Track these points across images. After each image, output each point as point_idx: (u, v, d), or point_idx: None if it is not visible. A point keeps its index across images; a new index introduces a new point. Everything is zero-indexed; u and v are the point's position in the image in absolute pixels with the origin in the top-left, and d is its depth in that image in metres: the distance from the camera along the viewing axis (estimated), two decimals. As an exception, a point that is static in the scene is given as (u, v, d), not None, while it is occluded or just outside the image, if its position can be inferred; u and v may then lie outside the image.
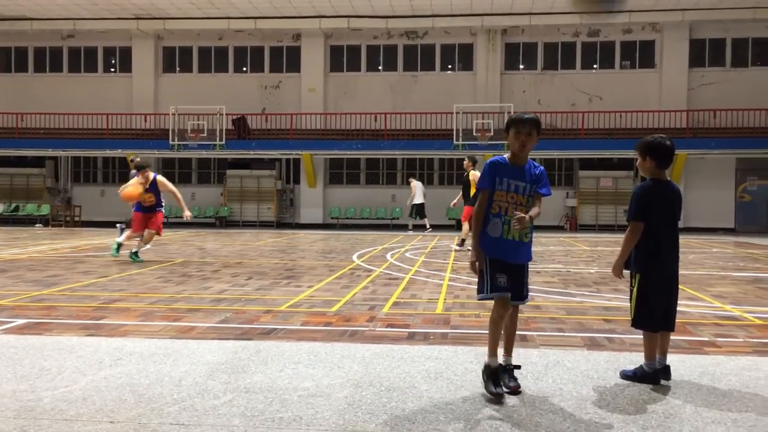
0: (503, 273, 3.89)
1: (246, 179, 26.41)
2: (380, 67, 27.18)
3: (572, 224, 24.66)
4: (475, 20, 25.25)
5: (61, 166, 27.46)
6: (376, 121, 25.87)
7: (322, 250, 14.31)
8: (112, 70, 28.09)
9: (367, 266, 10.70)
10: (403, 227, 23.68)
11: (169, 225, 24.13)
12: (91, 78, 27.79)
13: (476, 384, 3.97)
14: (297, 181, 26.81)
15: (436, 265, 10.86)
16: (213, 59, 27.54)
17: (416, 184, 22.14)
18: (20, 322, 5.72)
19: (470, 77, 26.57)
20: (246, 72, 27.52)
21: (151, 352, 4.67)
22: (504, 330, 3.99)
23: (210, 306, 6.65)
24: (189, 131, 24.88)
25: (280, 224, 26.19)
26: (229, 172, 26.68)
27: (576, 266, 11.07)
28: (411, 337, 5.30)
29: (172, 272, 9.63)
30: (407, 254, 12.99)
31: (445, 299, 7.25)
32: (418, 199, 22.02)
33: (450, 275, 9.50)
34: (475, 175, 12.98)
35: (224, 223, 26.12)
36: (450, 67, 27.02)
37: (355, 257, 12.35)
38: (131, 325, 5.69)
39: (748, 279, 9.51)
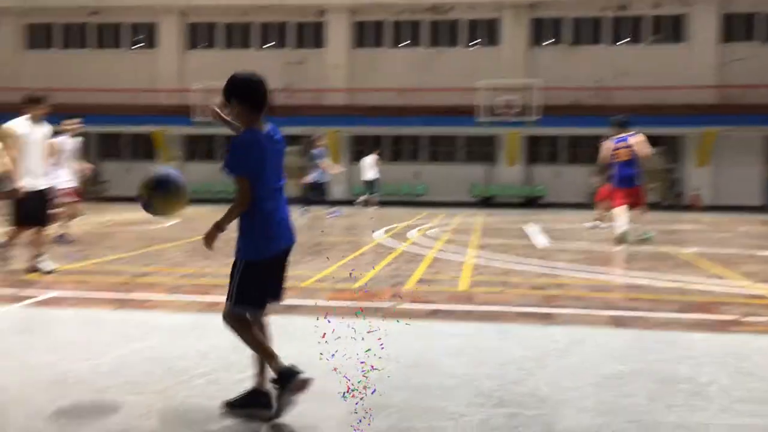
0: None
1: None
2: (405, 43, 26.99)
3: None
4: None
5: (90, 143, 27.72)
6: (399, 97, 25.74)
7: (346, 226, 14.34)
8: (138, 46, 28.22)
9: (390, 244, 10.71)
10: (426, 204, 23.62)
11: (194, 201, 24.35)
12: (117, 54, 27.94)
13: (498, 360, 3.98)
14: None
15: (460, 243, 10.84)
16: (237, 35, 27.54)
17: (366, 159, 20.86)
18: (51, 294, 5.83)
19: (495, 53, 26.27)
20: (271, 48, 27.49)
21: (178, 326, 4.75)
22: None
23: (235, 281, 6.71)
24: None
25: (305, 200, 26.25)
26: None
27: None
28: (434, 314, 5.31)
29: (197, 248, 9.72)
30: (429, 232, 12.98)
31: (469, 276, 7.25)
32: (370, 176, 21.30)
33: (474, 252, 9.48)
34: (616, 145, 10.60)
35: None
36: (475, 42, 26.74)
37: (377, 234, 12.36)
38: (158, 299, 5.78)
39: (776, 258, 9.38)
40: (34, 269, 6.88)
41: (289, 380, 3.05)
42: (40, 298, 5.70)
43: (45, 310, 5.23)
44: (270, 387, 3.15)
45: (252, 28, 27.41)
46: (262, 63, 26.90)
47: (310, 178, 16.40)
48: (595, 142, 25.32)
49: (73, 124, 10.23)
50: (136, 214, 14.08)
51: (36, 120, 6.89)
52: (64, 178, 9.66)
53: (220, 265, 7.93)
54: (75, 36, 28.22)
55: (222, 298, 5.69)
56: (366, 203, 21.27)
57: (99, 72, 27.27)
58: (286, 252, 3.29)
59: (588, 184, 24.88)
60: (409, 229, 13.18)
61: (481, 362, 3.96)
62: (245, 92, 3.38)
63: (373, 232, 12.62)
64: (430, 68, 26.39)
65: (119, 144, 28.14)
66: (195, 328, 4.71)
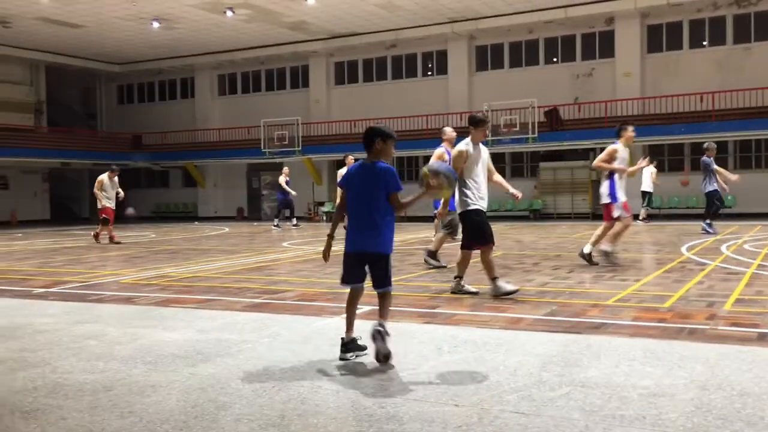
0: None
1: (559, 171, 26.11)
2: (705, 43, 24.89)
3: None
4: (824, -25, 21.78)
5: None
6: (702, 101, 23.74)
7: (646, 241, 13.55)
8: (429, 73, 29.80)
9: (699, 259, 9.87)
10: (737, 216, 21.39)
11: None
12: (412, 83, 29.80)
13: None
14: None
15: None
16: (523, 53, 27.71)
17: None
18: (366, 308, 6.34)
19: (818, 42, 23.02)
20: (557, 62, 27.21)
21: (484, 341, 4.86)
22: None
23: (535, 298, 6.71)
24: (502, 126, 25.37)
25: (596, 216, 25.39)
26: (542, 164, 26.64)
27: None
28: (762, 338, 4.76)
29: (493, 264, 9.90)
30: (746, 246, 11.70)
31: (799, 297, 6.39)
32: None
33: (802, 270, 8.34)
34: None
35: (538, 215, 26.14)
36: (789, 34, 23.72)
37: (684, 249, 11.48)
38: (462, 314, 5.98)
39: None
40: (460, 290, 7.04)
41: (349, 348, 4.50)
42: (359, 311, 6.23)
43: (362, 322, 5.69)
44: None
45: (538, 45, 27.37)
46: (548, 78, 26.83)
47: (708, 188, 15.16)
48: None
49: None
50: (430, 232, 14.82)
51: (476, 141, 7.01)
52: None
53: (519, 281, 7.98)
54: (377, 69, 30.65)
55: (522, 315, 5.76)
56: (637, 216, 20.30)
57: (396, 100, 29.30)
58: None
59: None
60: (719, 243, 12.04)
61: (829, 396, 3.45)
62: (387, 135, 4.67)
63: (678, 247, 11.75)
64: (737, 67, 23.96)
65: (409, 167, 29.90)
66: (501, 344, 4.78)
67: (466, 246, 7.04)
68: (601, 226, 9.46)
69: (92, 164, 33.45)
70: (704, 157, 15.34)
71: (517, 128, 25.01)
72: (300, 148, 29.20)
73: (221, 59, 32.38)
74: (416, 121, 28.25)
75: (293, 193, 21.64)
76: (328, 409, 3.48)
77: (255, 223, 27.27)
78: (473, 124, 7.00)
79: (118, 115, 36.94)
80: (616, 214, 9.19)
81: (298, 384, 3.92)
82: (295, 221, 22.21)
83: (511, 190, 7.68)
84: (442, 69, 29.11)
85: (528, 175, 27.63)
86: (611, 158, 9.28)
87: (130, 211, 19.86)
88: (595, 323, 5.43)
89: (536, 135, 24.58)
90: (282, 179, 21.42)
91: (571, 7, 25.12)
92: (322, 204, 29.62)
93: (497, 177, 7.54)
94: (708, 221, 15.21)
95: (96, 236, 16.36)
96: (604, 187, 9.39)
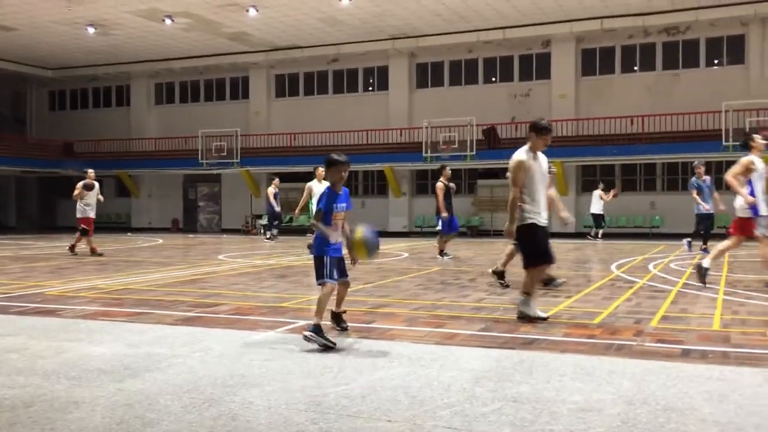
0: None
1: (496, 188, 26.53)
2: (636, 68, 25.80)
3: None
4: (748, 8, 22.89)
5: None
6: (632, 124, 24.57)
7: (578, 259, 13.88)
8: (371, 89, 29.96)
9: (628, 277, 10.17)
10: (663, 236, 22.15)
11: (422, 234, 25.11)
12: (353, 97, 29.89)
13: (770, 411, 3.57)
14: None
15: (708, 278, 9.96)
16: (463, 72, 28.16)
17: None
18: (302, 323, 6.28)
19: (741, 71, 24.17)
20: (495, 82, 27.75)
21: (419, 357, 4.87)
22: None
23: (470, 314, 6.78)
24: (441, 143, 25.69)
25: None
26: (479, 181, 27.05)
27: None
28: (686, 354, 4.92)
29: (430, 280, 9.98)
30: (672, 265, 12.12)
31: (722, 315, 6.64)
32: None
33: (725, 289, 8.67)
34: None
35: (476, 232, 26.49)
36: (717, 62, 24.82)
37: (613, 267, 11.80)
38: (398, 329, 5.99)
39: None
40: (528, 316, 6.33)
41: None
42: (294, 325, 6.17)
43: (298, 337, 5.64)
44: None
45: (477, 64, 27.85)
46: (487, 97, 27.33)
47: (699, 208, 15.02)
48: None
49: None
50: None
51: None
52: None
53: (455, 296, 8.05)
54: (318, 83, 30.61)
55: (458, 330, 5.80)
56: (596, 236, 20.96)
57: (337, 115, 29.33)
58: None
59: None
60: (647, 262, 12.42)
61: (751, 412, 3.58)
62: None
63: (608, 265, 12.07)
64: (666, 92, 24.92)
65: (354, 181, 29.93)
66: (436, 359, 4.80)
67: (530, 264, 6.40)
68: (727, 240, 8.80)
69: (20, 171, 32.30)
70: (692, 178, 15.08)
71: (456, 145, 25.38)
72: (239, 160, 28.88)
73: (159, 68, 31.78)
74: (356, 135, 28.33)
75: (277, 208, 21.08)
76: (260, 426, 3.42)
77: (191, 235, 26.77)
78: (536, 131, 6.30)
79: (49, 122, 35.79)
80: (759, 232, 8.39)
81: (229, 400, 3.84)
82: (274, 232, 21.53)
83: (563, 213, 7.35)
84: (383, 85, 29.31)
85: (466, 192, 27.98)
86: (747, 171, 8.39)
87: None
88: (528, 339, 5.51)
89: (474, 152, 24.97)
90: (271, 190, 20.89)
91: (509, 29, 25.69)
92: (259, 217, 29.30)
93: (553, 191, 6.90)
94: (689, 240, 15.46)
95: (72, 247, 15.23)
96: (742, 199, 8.40)
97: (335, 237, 5.40)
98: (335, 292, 5.57)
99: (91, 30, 25.99)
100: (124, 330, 5.98)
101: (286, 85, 31.19)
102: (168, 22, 24.84)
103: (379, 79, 29.58)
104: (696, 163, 15.42)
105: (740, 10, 23.04)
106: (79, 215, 15.25)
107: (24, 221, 34.20)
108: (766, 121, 21.86)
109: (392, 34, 27.01)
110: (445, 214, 13.45)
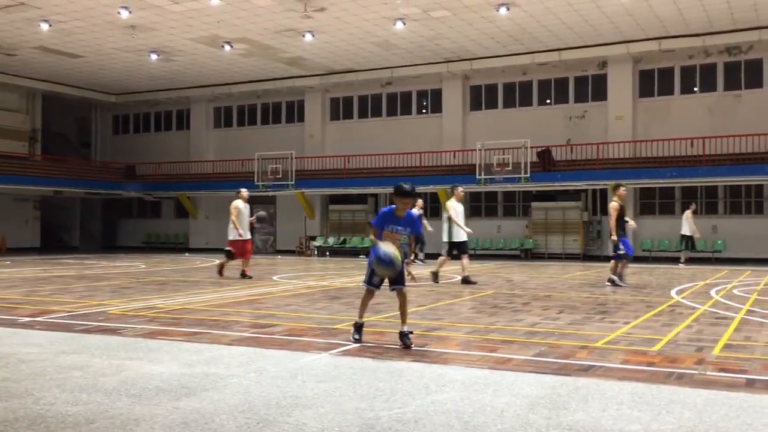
0: None
1: (551, 211, 26.24)
2: (696, 89, 25.27)
3: None
4: (812, 26, 22.25)
5: (379, 203, 30.03)
6: (692, 146, 24.02)
7: (635, 284, 13.57)
8: (424, 111, 30.08)
9: (689, 303, 9.89)
10: (726, 261, 21.48)
11: (475, 256, 24.94)
12: (406, 120, 30.05)
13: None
14: (604, 212, 25.91)
15: (773, 305, 9.63)
16: (517, 94, 28.04)
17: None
18: (355, 345, 6.32)
19: (807, 91, 23.43)
20: (550, 104, 27.54)
21: (472, 381, 4.83)
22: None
23: (524, 338, 6.69)
24: (495, 165, 25.57)
25: (587, 256, 25.48)
26: (534, 204, 26.78)
27: None
28: (750, 384, 4.75)
29: (483, 303, 9.90)
30: (735, 291, 11.74)
31: (788, 344, 6.40)
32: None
33: (791, 316, 8.36)
34: None
35: (529, 255, 26.18)
36: (780, 82, 24.14)
37: (673, 293, 11.50)
38: (451, 353, 5.96)
39: None
40: None
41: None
42: (346, 347, 6.20)
43: (351, 359, 5.66)
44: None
45: (532, 86, 27.71)
46: (542, 119, 27.14)
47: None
48: None
49: None
50: (420, 270, 14.81)
51: None
52: None
53: (508, 320, 7.96)
54: (372, 105, 30.91)
55: (511, 355, 5.74)
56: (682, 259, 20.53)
57: (391, 137, 29.52)
58: None
59: None
60: (709, 287, 12.06)
61: (817, 446, 3.43)
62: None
63: (669, 291, 11.77)
64: (727, 113, 24.32)
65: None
66: (489, 384, 4.75)
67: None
68: None
69: (84, 193, 33.44)
70: None
71: (510, 168, 25.21)
72: (293, 182, 29.28)
73: (218, 92, 32.61)
74: (410, 158, 28.45)
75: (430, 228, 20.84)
76: (313, 448, 3.43)
77: (246, 256, 27.16)
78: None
79: (112, 145, 37.06)
80: None
81: (282, 421, 3.88)
82: (421, 255, 20.96)
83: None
84: (437, 107, 29.40)
85: (520, 215, 27.74)
86: None
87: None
88: (583, 365, 5.41)
89: (529, 175, 24.75)
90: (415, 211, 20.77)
91: (564, 51, 25.51)
92: (313, 238, 29.60)
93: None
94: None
95: (220, 270, 14.76)
96: None
97: (384, 246, 6.09)
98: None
99: (153, 57, 26.88)
100: (182, 349, 6.11)
101: (340, 108, 31.58)
102: (227, 48, 25.51)
103: (432, 101, 29.70)
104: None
105: (805, 29, 22.40)
106: (239, 235, 14.45)
107: (87, 241, 35.33)
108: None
109: (446, 57, 27.12)
110: (614, 238, 12.46)
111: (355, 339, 6.35)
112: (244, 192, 14.97)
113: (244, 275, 14.49)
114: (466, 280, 13.16)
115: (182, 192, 32.37)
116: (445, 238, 13.58)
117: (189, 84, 32.08)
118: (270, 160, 30.00)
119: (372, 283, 6.36)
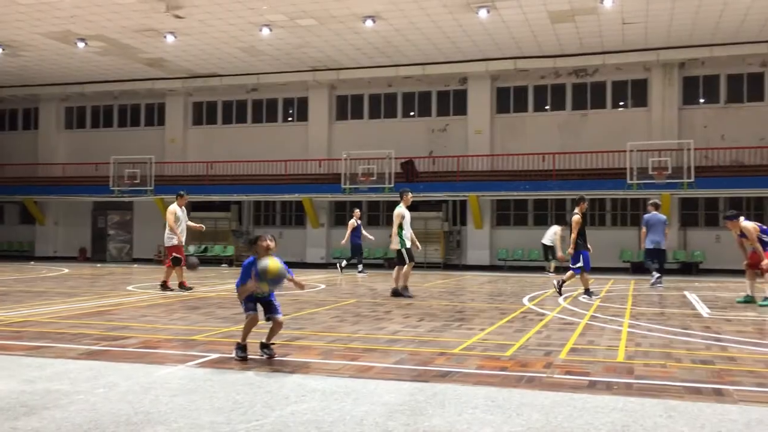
0: None
1: (413, 221, 26.51)
2: (548, 107, 26.82)
3: None
4: (650, 54, 24.26)
5: (243, 210, 29.49)
6: (544, 161, 25.45)
7: (491, 292, 14.15)
8: (290, 119, 29.92)
9: (539, 310, 10.43)
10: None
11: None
12: (271, 128, 29.75)
13: (669, 440, 3.70)
14: (464, 222, 26.87)
15: (613, 311, 10.36)
16: (382, 105, 28.54)
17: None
18: (213, 356, 6.13)
19: (644, 114, 25.50)
20: (414, 116, 28.23)
21: (333, 390, 4.82)
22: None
23: (385, 346, 6.77)
24: (360, 175, 25.86)
25: (447, 266, 26.28)
26: (397, 214, 27.25)
27: (772, 314, 10.11)
28: (592, 386, 5.07)
29: (346, 312, 9.94)
30: (581, 298, 12.52)
31: (626, 347, 6.88)
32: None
33: (629, 321, 9.02)
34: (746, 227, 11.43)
35: (393, 264, 26.60)
36: (622, 104, 26.12)
37: (525, 300, 12.09)
38: (313, 362, 5.92)
39: None
40: None
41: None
42: (203, 359, 6.01)
43: (208, 371, 5.49)
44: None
45: (397, 98, 28.28)
46: (406, 131, 27.76)
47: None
48: (760, 203, 23.75)
49: None
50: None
51: None
52: None
53: (371, 329, 8.04)
54: (236, 112, 30.33)
55: (372, 363, 5.78)
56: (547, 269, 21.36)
57: (255, 144, 29.10)
58: None
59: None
60: (557, 295, 12.78)
61: (648, 441, 3.70)
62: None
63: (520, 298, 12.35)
64: (575, 131, 25.99)
65: (273, 211, 29.63)
66: (349, 392, 4.76)
67: None
68: None
69: None
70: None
71: (374, 178, 25.58)
72: (152, 188, 28.15)
73: (70, 91, 30.78)
74: (275, 165, 28.18)
75: (372, 237, 20.79)
76: (165, 465, 3.29)
77: (98, 265, 25.77)
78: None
79: (-52, 144, 34.01)
80: None
81: (133, 438, 3.68)
82: (360, 267, 20.44)
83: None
84: (303, 116, 29.33)
85: (383, 224, 28.16)
86: None
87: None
88: (441, 371, 5.54)
89: (392, 185, 25.22)
90: (352, 222, 20.18)
91: (428, 65, 26.28)
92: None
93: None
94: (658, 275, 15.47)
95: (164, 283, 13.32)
96: None
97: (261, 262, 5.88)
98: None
99: (-2, 50, 24.98)
100: (22, 365, 5.67)
101: (203, 113, 30.76)
102: (81, 45, 24.15)
103: (299, 109, 29.59)
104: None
105: (644, 56, 24.39)
106: (178, 241, 13.49)
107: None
108: (665, 161, 23.05)
109: (313, 66, 27.14)
110: (571, 250, 12.56)
111: (240, 357, 5.95)
112: (186, 195, 14.19)
113: (183, 286, 13.23)
114: (397, 293, 12.78)
115: (28, 196, 30.23)
116: (399, 246, 13.43)
117: (38, 81, 30.04)
118: (127, 165, 28.67)
119: (250, 309, 6.06)
